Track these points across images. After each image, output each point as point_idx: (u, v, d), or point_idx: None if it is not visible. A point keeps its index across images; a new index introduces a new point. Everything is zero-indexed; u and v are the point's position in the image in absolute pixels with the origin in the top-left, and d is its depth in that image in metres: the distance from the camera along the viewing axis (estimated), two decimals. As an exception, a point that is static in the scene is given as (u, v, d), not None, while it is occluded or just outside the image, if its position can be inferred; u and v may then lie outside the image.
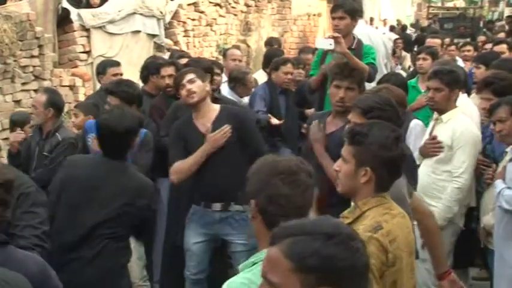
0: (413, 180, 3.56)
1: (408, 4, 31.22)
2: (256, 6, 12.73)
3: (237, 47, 8.62)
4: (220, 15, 11.74)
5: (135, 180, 3.55)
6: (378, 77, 5.56)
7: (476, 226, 4.55)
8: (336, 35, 4.98)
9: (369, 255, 2.25)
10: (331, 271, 1.47)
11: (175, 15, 10.61)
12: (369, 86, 4.78)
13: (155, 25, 9.97)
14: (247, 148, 4.22)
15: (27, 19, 7.46)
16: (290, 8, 13.83)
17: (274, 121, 6.05)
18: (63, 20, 8.59)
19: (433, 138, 4.42)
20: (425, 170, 4.35)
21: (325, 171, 3.59)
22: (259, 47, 12.21)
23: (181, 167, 4.25)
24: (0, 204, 2.39)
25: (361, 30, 6.27)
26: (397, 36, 14.21)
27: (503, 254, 3.89)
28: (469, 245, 4.64)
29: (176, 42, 10.41)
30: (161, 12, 10.06)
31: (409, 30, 21.81)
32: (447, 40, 10.00)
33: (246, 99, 6.42)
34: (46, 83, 7.55)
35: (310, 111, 6.03)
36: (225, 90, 6.28)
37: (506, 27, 17.59)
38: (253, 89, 6.50)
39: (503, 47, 7.83)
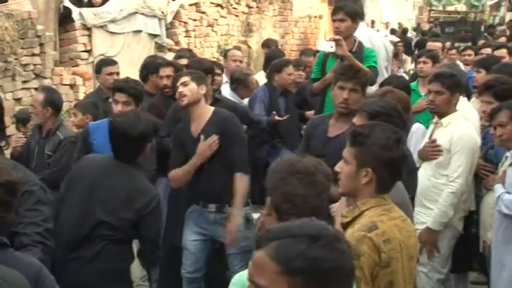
0: (413, 183, 3.57)
1: (409, 7, 31.30)
2: (257, 7, 12.74)
3: (238, 48, 8.63)
4: (222, 16, 11.75)
5: (139, 185, 3.49)
6: (379, 80, 5.55)
7: (475, 231, 4.55)
8: (337, 37, 4.96)
9: (359, 254, 2.28)
10: (317, 273, 1.48)
11: (177, 16, 10.61)
12: (370, 89, 4.78)
13: (156, 25, 9.98)
14: (225, 153, 4.21)
15: (29, 17, 7.46)
16: (291, 9, 13.84)
17: (278, 118, 6.06)
18: (64, 19, 8.59)
19: (432, 141, 4.43)
20: (425, 173, 4.35)
21: None
22: (260, 48, 12.21)
23: (177, 176, 4.31)
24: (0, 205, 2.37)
25: (362, 33, 6.26)
26: (398, 39, 14.23)
27: (502, 259, 3.89)
28: (467, 249, 4.64)
29: (177, 43, 10.41)
30: (163, 12, 10.07)
31: (410, 34, 21.86)
32: (448, 44, 9.99)
33: (246, 101, 6.42)
34: (47, 82, 7.56)
35: (310, 113, 6.03)
36: (225, 91, 6.28)
37: (507, 32, 17.60)
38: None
39: (504, 51, 7.85)
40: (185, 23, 10.77)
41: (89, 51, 8.78)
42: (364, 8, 15.09)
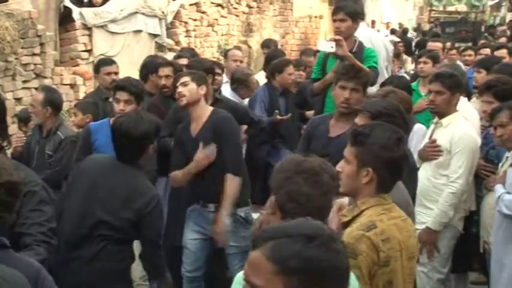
0: (413, 183, 3.57)
1: (410, 8, 31.30)
2: (258, 7, 12.74)
3: (238, 48, 8.63)
4: (222, 16, 11.74)
5: (139, 186, 3.48)
6: (379, 80, 5.55)
7: (476, 231, 4.54)
8: (338, 37, 4.97)
9: (358, 253, 2.28)
10: (313, 273, 1.49)
11: (177, 15, 10.61)
12: (370, 89, 4.78)
13: (157, 25, 9.98)
14: (220, 155, 4.21)
15: (29, 17, 7.46)
16: (292, 9, 13.84)
17: (280, 117, 6.06)
18: (65, 19, 8.60)
19: (432, 141, 4.43)
20: (425, 173, 4.35)
21: None
22: (260, 48, 12.21)
23: (177, 177, 4.32)
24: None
25: (363, 33, 6.26)
26: (398, 40, 14.22)
27: (502, 259, 3.89)
28: (468, 249, 4.64)
29: (177, 43, 10.41)
30: (163, 12, 10.07)
31: (410, 34, 21.85)
32: (448, 44, 9.99)
33: (247, 101, 6.42)
34: (47, 81, 7.56)
35: (310, 113, 6.03)
36: (226, 91, 6.28)
37: (508, 32, 17.61)
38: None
39: (504, 52, 7.85)
40: (185, 22, 10.77)
41: (89, 51, 8.79)
42: (364, 8, 15.08)
